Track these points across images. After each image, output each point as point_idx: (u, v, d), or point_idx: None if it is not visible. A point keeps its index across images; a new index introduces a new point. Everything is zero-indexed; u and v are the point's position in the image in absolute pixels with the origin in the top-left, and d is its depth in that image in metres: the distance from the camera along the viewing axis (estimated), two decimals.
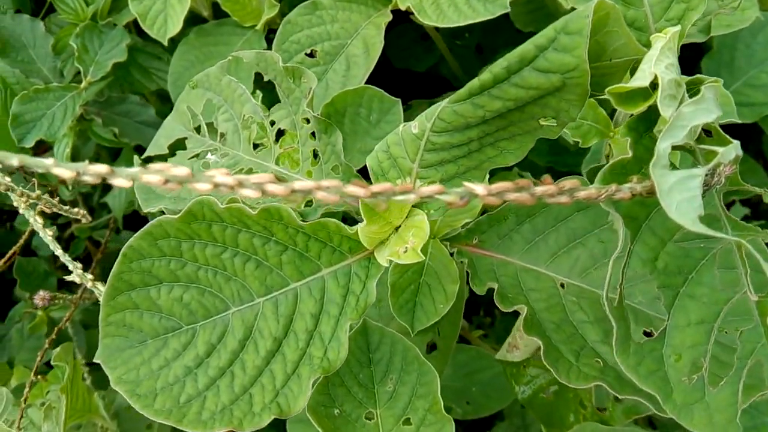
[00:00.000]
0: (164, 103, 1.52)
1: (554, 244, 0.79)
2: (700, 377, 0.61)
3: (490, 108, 0.65)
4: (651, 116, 0.62)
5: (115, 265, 0.74)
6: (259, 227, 0.74)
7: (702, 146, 0.60)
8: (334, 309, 0.74)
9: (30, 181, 1.32)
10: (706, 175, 0.54)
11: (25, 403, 1.06)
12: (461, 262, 0.83)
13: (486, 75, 0.63)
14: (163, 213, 0.90)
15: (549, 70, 0.61)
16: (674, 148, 0.55)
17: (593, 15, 0.59)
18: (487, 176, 0.74)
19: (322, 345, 0.73)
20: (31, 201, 0.82)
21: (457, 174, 0.73)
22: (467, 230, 0.83)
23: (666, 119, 0.56)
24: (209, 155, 0.93)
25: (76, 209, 0.95)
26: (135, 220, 1.59)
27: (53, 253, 1.65)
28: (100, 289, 0.83)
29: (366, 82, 1.11)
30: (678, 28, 0.63)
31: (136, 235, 0.73)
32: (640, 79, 0.59)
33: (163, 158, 0.96)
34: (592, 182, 0.64)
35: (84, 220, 1.01)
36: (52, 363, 1.09)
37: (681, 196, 0.50)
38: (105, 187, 1.64)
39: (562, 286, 0.78)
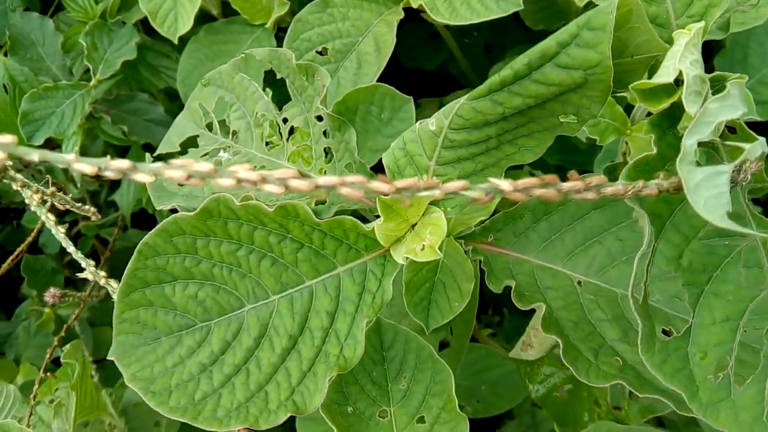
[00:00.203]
0: (172, 101, 1.51)
1: (571, 242, 0.79)
2: (725, 375, 0.61)
3: (509, 105, 0.64)
4: (674, 113, 0.62)
5: (130, 262, 0.73)
6: (275, 224, 0.73)
7: (727, 143, 0.59)
8: (349, 307, 0.74)
9: (37, 179, 1.32)
10: (733, 171, 0.53)
11: (34, 400, 1.06)
12: (476, 260, 0.82)
13: (506, 71, 0.63)
14: (176, 211, 0.90)
15: (571, 67, 0.61)
16: (699, 144, 0.54)
17: (616, 11, 0.59)
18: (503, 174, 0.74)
19: (338, 343, 0.73)
20: (45, 197, 0.82)
21: (475, 171, 0.73)
22: (482, 228, 0.83)
23: (691, 116, 0.55)
24: (221, 153, 0.92)
25: (87, 206, 0.95)
26: (142, 218, 1.58)
27: (60, 250, 1.66)
28: (113, 287, 0.83)
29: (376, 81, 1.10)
30: (702, 24, 0.62)
31: (151, 232, 0.73)
32: (665, 75, 0.59)
33: (174, 156, 0.96)
34: (610, 180, 0.64)
35: (94, 218, 1.01)
36: (62, 360, 1.08)
37: (708, 192, 0.50)
38: (112, 186, 1.64)
39: (579, 284, 0.77)
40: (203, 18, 1.34)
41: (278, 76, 0.91)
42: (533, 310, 0.79)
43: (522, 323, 1.42)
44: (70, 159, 0.47)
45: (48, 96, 1.24)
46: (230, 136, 0.92)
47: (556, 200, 0.49)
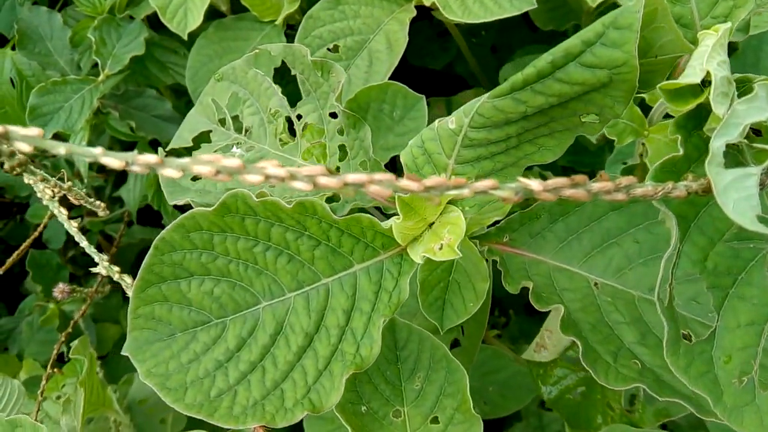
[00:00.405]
0: (179, 98, 1.51)
1: (588, 243, 0.79)
2: (750, 379, 0.60)
3: (532, 104, 0.64)
4: (700, 114, 0.62)
5: (146, 258, 0.73)
6: (292, 221, 0.73)
7: (754, 145, 0.59)
8: (366, 305, 0.73)
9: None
10: (761, 173, 0.53)
11: (42, 396, 1.05)
12: (492, 260, 0.82)
13: (529, 69, 0.62)
14: (182, 208, 0.90)
15: (596, 66, 0.60)
16: (726, 146, 0.54)
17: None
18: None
19: (354, 341, 0.73)
20: (62, 192, 0.81)
21: (494, 170, 0.73)
22: (497, 228, 0.83)
23: (719, 117, 0.55)
24: (234, 148, 0.92)
25: (98, 202, 0.94)
26: (147, 214, 1.58)
27: (64, 246, 1.65)
28: (127, 282, 0.83)
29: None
30: (728, 25, 0.62)
31: (168, 227, 0.73)
32: (691, 76, 0.59)
33: (187, 151, 0.95)
34: None
35: (102, 213, 1.00)
36: (70, 356, 1.08)
37: (738, 194, 0.50)
38: (116, 182, 1.64)
39: (596, 285, 0.77)
40: (212, 14, 1.34)
41: (292, 72, 0.90)
42: (538, 312, 0.79)
43: (527, 325, 1.42)
44: (97, 153, 0.47)
45: (56, 90, 1.24)
46: (243, 131, 0.92)
47: (585, 200, 0.49)
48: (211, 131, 0.94)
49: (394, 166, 1.08)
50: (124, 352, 0.74)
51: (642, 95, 0.74)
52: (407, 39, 1.11)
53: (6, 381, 1.14)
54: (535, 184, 0.48)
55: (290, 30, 1.32)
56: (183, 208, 0.89)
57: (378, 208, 0.96)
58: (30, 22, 1.35)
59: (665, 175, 0.59)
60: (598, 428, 0.92)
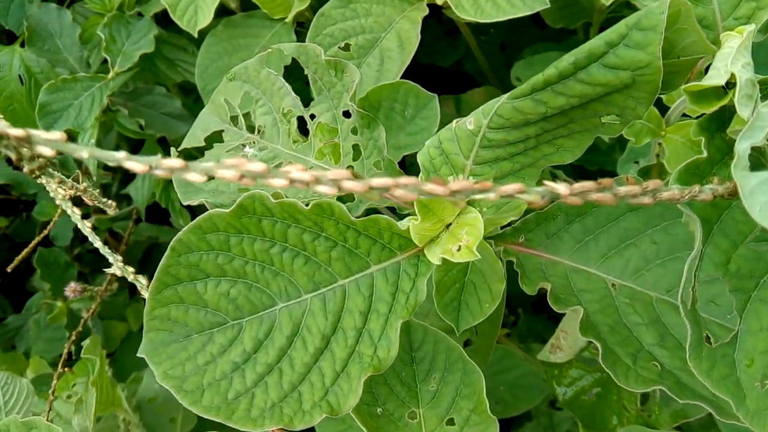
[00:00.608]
0: (187, 95, 1.51)
1: (605, 244, 0.78)
2: None
3: (552, 105, 0.63)
4: (723, 116, 0.61)
5: (163, 259, 0.72)
6: (309, 222, 0.73)
7: None
8: (383, 307, 0.73)
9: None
10: None
11: (53, 395, 1.05)
12: (509, 261, 0.81)
13: (551, 70, 0.62)
14: (190, 207, 0.90)
15: (619, 67, 0.60)
16: (751, 149, 0.54)
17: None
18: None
19: (371, 343, 0.72)
20: (78, 192, 0.81)
21: (512, 171, 0.72)
22: (513, 229, 0.82)
23: (743, 119, 0.55)
24: (247, 148, 0.92)
25: (109, 201, 0.94)
26: (155, 212, 1.58)
27: (70, 243, 1.65)
28: (142, 282, 0.82)
29: None
30: (753, 26, 0.62)
31: (185, 228, 0.72)
32: (715, 78, 0.58)
33: (199, 150, 0.95)
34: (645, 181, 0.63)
35: (110, 211, 1.00)
36: (82, 355, 1.08)
37: (764, 198, 0.49)
38: (122, 179, 1.64)
39: (614, 287, 0.77)
40: (221, 11, 1.34)
41: (305, 72, 0.90)
42: (548, 312, 0.79)
43: (535, 323, 1.42)
44: (120, 157, 0.47)
45: (66, 88, 1.24)
46: (256, 131, 0.92)
47: (612, 204, 0.49)
48: (223, 131, 0.94)
49: (403, 165, 1.08)
50: (140, 354, 0.73)
51: (659, 95, 0.74)
52: (419, 38, 1.11)
53: (14, 379, 1.13)
54: (561, 188, 0.48)
55: (300, 28, 1.32)
56: (190, 206, 0.89)
57: (391, 209, 0.95)
58: (39, 19, 1.35)
59: (689, 177, 0.59)
60: (613, 429, 0.91)
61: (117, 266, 0.82)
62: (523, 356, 1.19)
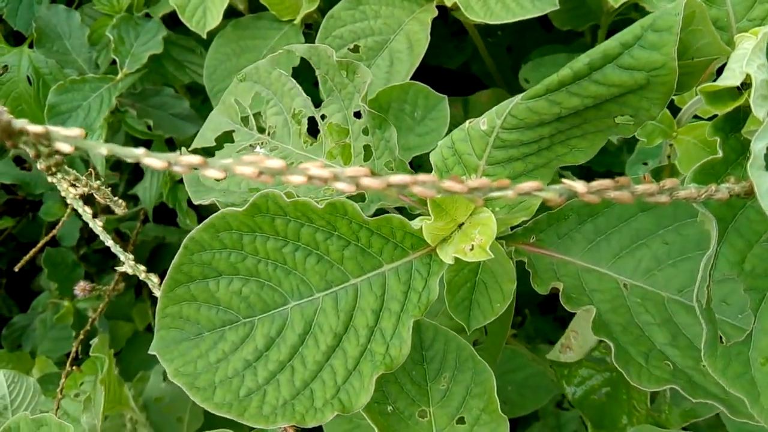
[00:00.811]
0: (194, 96, 1.51)
1: (617, 244, 0.78)
2: None
3: (566, 105, 0.64)
4: (738, 116, 0.62)
5: (176, 257, 0.73)
6: (322, 222, 0.73)
7: None
8: (395, 305, 0.73)
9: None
10: None
11: (61, 393, 1.05)
12: (519, 261, 0.82)
13: (565, 71, 0.62)
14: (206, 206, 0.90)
15: (634, 68, 0.60)
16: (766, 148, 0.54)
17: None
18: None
19: (383, 341, 0.72)
20: (91, 191, 0.81)
21: (525, 171, 0.73)
22: (524, 229, 0.82)
23: (759, 119, 0.55)
24: (258, 148, 0.92)
25: (119, 200, 0.94)
26: (162, 212, 1.58)
27: (77, 243, 1.65)
28: (153, 281, 0.82)
29: None
30: (767, 28, 0.62)
31: (198, 227, 0.73)
32: (730, 79, 0.59)
33: (209, 151, 0.95)
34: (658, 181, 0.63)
35: (119, 211, 1.00)
36: (91, 354, 1.08)
37: None
38: (130, 180, 1.64)
39: (626, 287, 0.77)
40: (230, 13, 1.34)
41: (316, 72, 0.90)
42: (555, 312, 0.79)
43: (542, 323, 1.42)
44: (140, 153, 0.47)
45: (75, 89, 1.24)
46: (266, 131, 0.92)
47: (629, 203, 0.49)
48: (233, 131, 0.94)
49: (411, 167, 1.08)
50: (151, 351, 0.73)
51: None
52: (428, 39, 1.11)
53: (21, 378, 1.14)
54: (579, 186, 0.48)
55: (308, 29, 1.32)
56: (197, 207, 0.89)
57: (399, 209, 0.96)
58: (48, 21, 1.35)
59: (704, 177, 0.59)
60: (623, 429, 0.91)
61: (129, 264, 0.82)
62: (530, 356, 1.19)
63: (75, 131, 0.48)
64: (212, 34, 1.26)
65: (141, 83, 1.41)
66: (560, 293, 0.77)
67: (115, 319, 1.59)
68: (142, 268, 0.83)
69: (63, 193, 0.87)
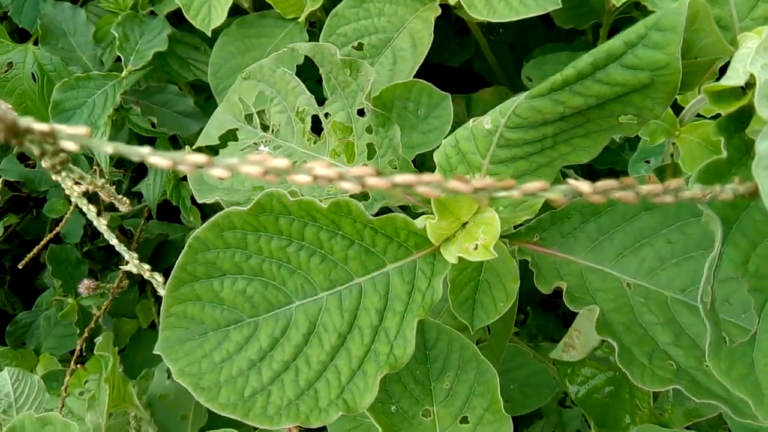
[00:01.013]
0: (198, 94, 1.51)
1: (620, 243, 0.78)
2: None
3: (570, 104, 0.64)
4: (742, 116, 0.61)
5: (180, 257, 0.73)
6: (327, 221, 0.73)
7: None
8: (399, 305, 0.73)
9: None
10: None
11: (66, 392, 1.05)
12: (523, 260, 0.82)
13: (569, 70, 0.62)
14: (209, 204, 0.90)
15: (637, 67, 0.60)
16: None
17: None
18: None
19: (387, 341, 0.72)
20: (96, 189, 0.81)
21: (528, 170, 0.73)
22: (527, 227, 0.83)
23: (763, 119, 0.55)
24: (261, 147, 0.92)
25: (123, 198, 0.94)
26: (165, 209, 1.58)
27: (80, 241, 1.65)
28: (158, 280, 0.83)
29: None
30: None
31: (202, 226, 0.73)
32: (734, 78, 0.59)
33: (213, 149, 0.95)
34: (662, 181, 0.63)
35: (123, 209, 1.00)
36: (95, 353, 1.08)
37: None
38: (133, 177, 1.64)
39: (629, 286, 0.77)
40: (234, 11, 1.34)
41: (320, 71, 0.90)
42: (554, 308, 0.79)
43: (545, 322, 1.42)
44: (145, 152, 0.47)
45: (79, 86, 1.24)
46: (270, 130, 0.92)
47: (634, 203, 0.49)
48: (237, 129, 0.94)
49: (414, 164, 1.08)
50: (156, 351, 0.73)
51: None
52: (432, 38, 1.11)
53: (25, 376, 1.14)
54: (584, 186, 0.48)
55: (312, 27, 1.32)
56: (201, 204, 0.89)
57: (403, 207, 0.96)
58: (53, 18, 1.35)
59: (709, 177, 0.59)
60: (626, 428, 0.91)
61: (133, 264, 0.82)
62: (533, 354, 1.19)
63: (80, 129, 0.48)
64: (217, 32, 1.26)
65: (145, 80, 1.41)
66: (564, 293, 0.77)
67: (119, 316, 1.59)
68: (147, 267, 0.83)
69: (67, 191, 0.87)
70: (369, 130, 0.88)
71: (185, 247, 0.73)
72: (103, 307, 1.20)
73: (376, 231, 0.73)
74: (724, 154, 0.59)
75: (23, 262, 1.33)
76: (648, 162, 1.11)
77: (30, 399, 1.12)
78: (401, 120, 1.05)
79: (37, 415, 0.83)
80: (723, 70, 0.66)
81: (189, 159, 0.47)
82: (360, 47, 1.13)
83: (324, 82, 0.90)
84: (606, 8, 1.25)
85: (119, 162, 1.60)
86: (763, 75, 0.57)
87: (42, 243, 1.31)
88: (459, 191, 0.48)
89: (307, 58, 0.91)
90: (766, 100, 0.56)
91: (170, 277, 0.73)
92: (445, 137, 0.93)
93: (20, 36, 1.50)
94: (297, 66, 0.93)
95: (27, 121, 0.44)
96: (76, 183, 0.86)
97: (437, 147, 0.77)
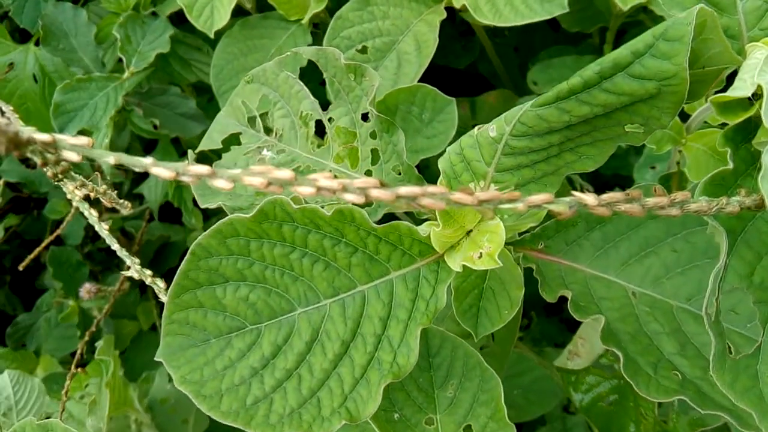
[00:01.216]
0: (200, 95, 1.51)
1: (626, 252, 0.78)
2: None
3: (576, 113, 0.63)
4: (749, 127, 0.61)
5: (183, 263, 0.72)
6: (330, 228, 0.72)
7: None
8: (402, 313, 0.73)
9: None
10: None
11: (66, 396, 1.05)
12: (527, 267, 0.81)
13: (575, 79, 0.62)
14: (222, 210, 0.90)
15: (644, 77, 0.60)
16: None
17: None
18: None
19: (391, 349, 0.72)
20: (97, 194, 0.81)
21: (533, 179, 0.72)
22: (532, 235, 0.82)
23: None
24: (265, 151, 0.92)
25: (125, 202, 0.94)
26: (167, 211, 1.58)
27: (81, 242, 1.65)
28: (160, 285, 0.82)
29: None
30: None
31: (205, 233, 0.72)
32: (742, 89, 0.58)
33: (216, 153, 0.95)
34: (668, 189, 0.63)
35: (124, 211, 1.00)
36: (96, 357, 1.08)
37: None
38: (134, 179, 1.64)
39: (634, 295, 0.76)
40: (237, 12, 1.34)
41: (324, 75, 0.90)
42: (558, 314, 0.78)
43: (549, 327, 1.42)
44: (147, 163, 0.47)
45: (81, 88, 1.24)
46: (273, 134, 0.92)
47: (640, 216, 0.49)
48: (240, 133, 0.94)
49: (418, 169, 1.08)
50: (157, 358, 0.73)
51: None
52: (437, 41, 1.11)
53: (25, 379, 1.14)
54: (590, 198, 0.48)
55: (315, 29, 1.31)
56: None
57: (407, 213, 0.95)
58: (54, 18, 1.34)
59: (715, 188, 0.58)
60: None
61: (135, 269, 0.82)
62: (536, 360, 1.19)
63: (83, 140, 0.47)
64: (219, 33, 1.26)
65: (147, 82, 1.40)
66: (569, 302, 0.76)
67: (120, 318, 1.59)
68: (149, 272, 0.82)
69: (69, 195, 0.87)
70: (373, 135, 0.87)
71: (188, 254, 0.72)
72: (104, 311, 1.20)
73: (380, 238, 0.73)
74: (731, 165, 0.59)
75: (24, 263, 1.33)
76: (654, 168, 1.11)
77: (30, 402, 1.12)
78: (405, 124, 1.04)
79: (38, 421, 0.82)
80: (730, 79, 0.65)
81: (192, 170, 0.46)
82: (364, 50, 1.12)
83: (328, 86, 0.90)
84: (613, 12, 1.24)
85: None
86: None
87: (43, 245, 1.31)
88: (463, 203, 0.47)
89: (310, 59, 0.90)
90: None
91: (172, 284, 0.73)
92: (450, 142, 0.93)
93: (21, 36, 1.50)
94: (300, 68, 0.93)
95: (29, 132, 0.44)
96: (78, 187, 0.86)
97: (441, 152, 0.76)
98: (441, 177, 0.75)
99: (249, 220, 0.72)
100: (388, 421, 0.79)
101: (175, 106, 1.37)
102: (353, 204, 0.77)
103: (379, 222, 0.73)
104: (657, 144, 0.89)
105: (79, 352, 1.14)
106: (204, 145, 0.96)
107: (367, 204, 0.84)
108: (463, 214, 0.72)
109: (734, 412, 0.68)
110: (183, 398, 1.24)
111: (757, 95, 0.59)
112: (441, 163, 0.75)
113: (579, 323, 0.93)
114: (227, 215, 0.73)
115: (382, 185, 0.48)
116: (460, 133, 0.81)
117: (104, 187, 0.79)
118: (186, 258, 0.72)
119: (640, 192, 0.48)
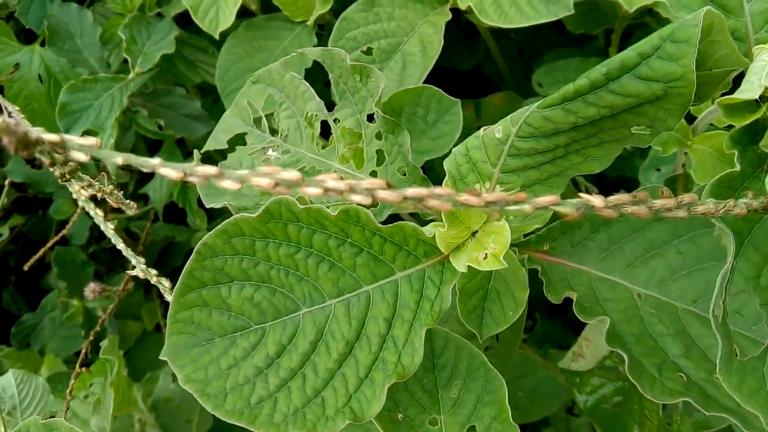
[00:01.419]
0: (205, 96, 1.51)
1: (631, 253, 0.78)
2: None
3: (582, 115, 0.63)
4: (756, 129, 0.61)
5: (188, 263, 0.72)
6: (335, 228, 0.72)
7: None
8: (407, 313, 0.73)
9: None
10: None
11: (70, 395, 1.05)
12: (532, 269, 0.81)
13: (582, 81, 0.62)
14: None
15: (651, 79, 0.60)
16: None
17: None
18: None
19: (395, 350, 0.72)
20: (104, 195, 0.81)
21: (539, 180, 0.72)
22: (537, 236, 0.82)
23: None
24: (270, 151, 0.92)
25: (131, 202, 0.94)
26: (172, 211, 1.58)
27: (86, 242, 1.65)
28: (165, 285, 0.82)
29: None
30: None
31: (211, 232, 0.72)
32: (749, 92, 0.58)
33: (221, 153, 0.95)
34: (674, 191, 0.63)
35: (130, 212, 1.00)
36: (101, 356, 1.08)
37: None
38: (139, 179, 1.64)
39: (639, 296, 0.76)
40: (242, 13, 1.34)
41: (330, 76, 0.90)
42: (562, 315, 0.78)
43: (553, 329, 1.42)
44: (155, 164, 0.47)
45: (86, 88, 1.24)
46: (279, 134, 0.92)
47: (647, 218, 0.49)
48: (246, 133, 0.94)
49: (423, 170, 1.08)
50: (162, 357, 0.73)
51: None
52: (442, 43, 1.11)
53: (30, 378, 1.14)
54: (597, 200, 0.48)
55: (320, 30, 1.32)
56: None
57: (413, 214, 0.95)
58: (60, 19, 1.35)
59: (722, 190, 0.58)
60: None
61: (140, 269, 0.82)
62: (541, 362, 1.19)
63: (91, 140, 0.48)
64: (224, 34, 1.26)
65: (152, 83, 1.40)
66: (574, 303, 0.76)
67: (124, 318, 1.59)
68: (154, 272, 0.83)
69: (74, 195, 0.87)
70: (378, 136, 0.87)
71: (193, 253, 0.72)
72: (109, 311, 1.20)
73: (385, 239, 0.73)
74: (738, 167, 0.59)
75: (29, 263, 1.33)
76: (659, 170, 1.11)
77: (35, 401, 1.12)
78: (410, 125, 1.04)
79: (43, 421, 0.82)
80: (737, 81, 0.65)
81: (199, 170, 0.46)
82: (369, 52, 1.12)
83: (333, 87, 0.90)
84: (618, 14, 1.24)
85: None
86: None
87: (48, 245, 1.31)
88: (470, 205, 0.47)
89: (315, 60, 0.90)
90: None
91: (177, 283, 0.73)
92: (455, 143, 0.93)
93: (27, 37, 1.50)
94: (305, 69, 0.93)
95: (37, 132, 0.44)
96: (84, 187, 0.86)
97: (446, 153, 0.76)
98: (446, 178, 0.75)
99: (254, 220, 0.72)
100: (391, 422, 0.79)
101: (180, 107, 1.37)
102: (360, 205, 0.77)
103: (384, 222, 0.73)
104: (663, 146, 0.88)
105: (83, 351, 1.14)
106: (209, 145, 0.96)
107: (373, 205, 0.85)
108: (469, 215, 0.72)
109: (739, 414, 0.68)
110: (187, 398, 1.25)
111: (764, 97, 0.59)
112: (447, 164, 0.75)
113: (583, 325, 0.93)
114: (232, 215, 0.73)
115: (389, 186, 0.48)
116: (464, 135, 0.81)
117: (111, 187, 0.79)
118: (191, 257, 0.72)
119: (647, 194, 0.48)
